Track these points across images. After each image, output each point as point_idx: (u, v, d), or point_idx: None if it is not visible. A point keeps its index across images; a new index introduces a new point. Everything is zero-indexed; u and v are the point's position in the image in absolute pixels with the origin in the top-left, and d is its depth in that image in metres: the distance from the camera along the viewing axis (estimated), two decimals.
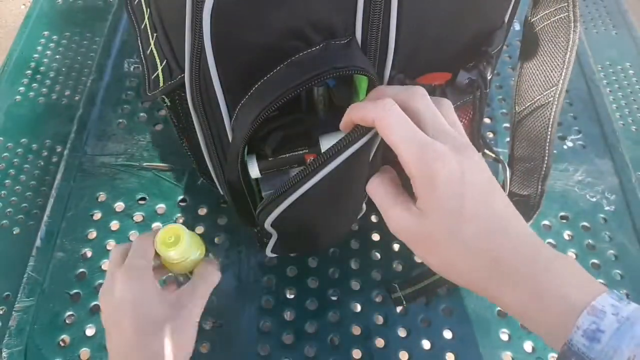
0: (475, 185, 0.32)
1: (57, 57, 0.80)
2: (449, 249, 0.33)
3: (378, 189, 0.35)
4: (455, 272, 0.34)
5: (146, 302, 0.42)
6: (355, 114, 0.35)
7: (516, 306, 0.32)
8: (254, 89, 0.36)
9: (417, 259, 0.60)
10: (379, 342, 0.54)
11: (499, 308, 0.57)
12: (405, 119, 0.33)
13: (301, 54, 0.35)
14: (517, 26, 0.81)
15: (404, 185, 0.35)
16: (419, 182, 0.32)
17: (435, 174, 0.31)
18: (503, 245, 0.32)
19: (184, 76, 0.39)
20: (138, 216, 0.62)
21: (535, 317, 0.32)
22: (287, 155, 0.43)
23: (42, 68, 0.79)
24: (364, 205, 0.57)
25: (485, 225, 0.32)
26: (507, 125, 0.74)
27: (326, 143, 0.42)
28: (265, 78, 0.36)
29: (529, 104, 0.50)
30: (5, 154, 0.70)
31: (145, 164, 0.67)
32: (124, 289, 0.42)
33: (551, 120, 0.49)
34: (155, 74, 0.42)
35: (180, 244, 0.44)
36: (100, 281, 0.57)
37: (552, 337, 0.31)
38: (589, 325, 0.29)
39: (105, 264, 0.58)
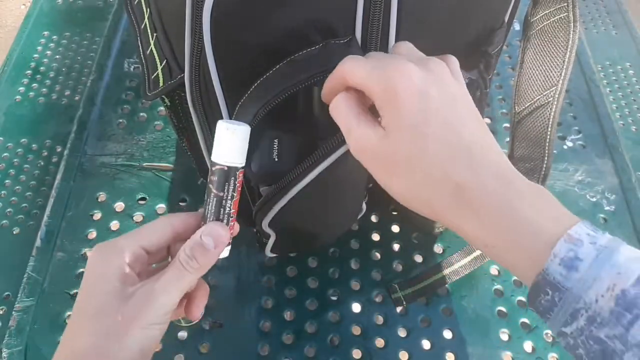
0: (444, 103, 0.30)
1: (57, 57, 0.80)
2: (412, 171, 0.31)
3: (341, 106, 0.33)
4: (418, 198, 0.32)
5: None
6: (329, 79, 0.34)
7: (483, 238, 0.30)
8: (253, 87, 0.36)
9: (418, 259, 0.60)
10: (379, 342, 0.54)
11: (499, 308, 0.57)
12: (372, 58, 0.32)
13: (301, 52, 0.36)
14: (517, 26, 0.81)
15: (371, 109, 0.33)
16: (381, 98, 0.30)
17: (397, 87, 0.30)
18: (470, 171, 0.30)
19: (183, 76, 0.39)
20: (138, 216, 0.62)
21: (504, 249, 0.30)
22: None
23: (42, 68, 0.79)
24: (364, 205, 0.57)
25: (450, 147, 0.30)
26: (507, 125, 0.74)
27: None
28: (265, 76, 0.36)
29: (528, 104, 0.50)
30: (5, 154, 0.70)
31: (145, 164, 0.67)
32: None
33: (551, 120, 0.49)
34: (155, 74, 0.42)
35: None
36: None
37: (523, 270, 0.30)
38: (567, 253, 0.28)
39: None
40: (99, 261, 0.35)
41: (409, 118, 0.30)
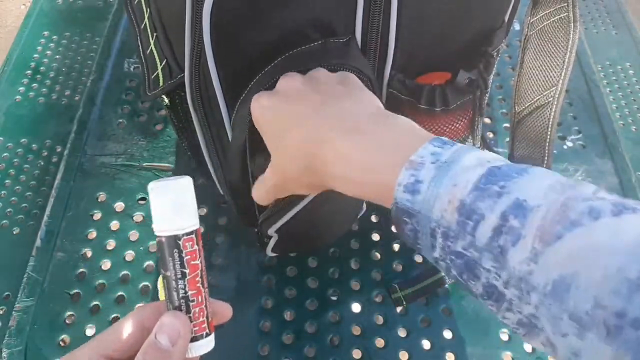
0: (282, 110, 0.34)
1: (57, 57, 0.80)
2: (287, 170, 0.36)
3: (256, 191, 0.40)
4: (290, 180, 0.36)
5: None
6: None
7: (345, 176, 0.32)
8: (252, 83, 0.37)
9: (418, 259, 0.60)
10: (379, 342, 0.54)
11: None
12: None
13: (299, 49, 0.36)
14: (517, 26, 0.81)
15: None
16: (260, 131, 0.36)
17: (255, 118, 0.36)
18: (319, 134, 0.33)
19: (183, 75, 0.39)
20: (138, 216, 0.62)
21: (365, 184, 0.31)
22: None
23: (42, 68, 0.79)
24: (364, 205, 0.57)
25: (299, 134, 0.33)
26: (507, 125, 0.74)
27: None
28: (263, 72, 0.36)
29: (528, 104, 0.50)
30: (5, 154, 0.70)
31: (145, 164, 0.67)
32: None
33: (551, 120, 0.49)
34: (155, 74, 0.42)
35: None
36: (101, 281, 0.57)
37: (383, 201, 0.31)
38: (409, 179, 0.29)
39: (105, 264, 0.58)
40: None
41: (275, 133, 0.36)
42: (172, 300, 0.29)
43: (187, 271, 0.29)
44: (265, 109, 0.35)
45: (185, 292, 0.29)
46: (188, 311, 0.29)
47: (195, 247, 0.29)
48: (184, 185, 0.29)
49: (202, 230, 0.30)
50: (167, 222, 0.28)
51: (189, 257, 0.29)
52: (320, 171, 0.33)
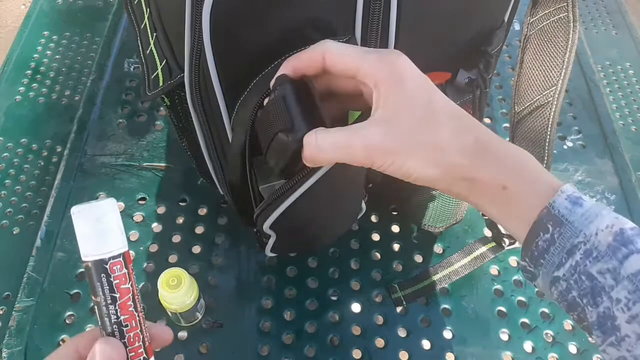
0: (429, 79, 0.33)
1: (57, 57, 0.80)
2: (430, 139, 0.32)
3: (325, 140, 0.33)
4: (435, 169, 0.32)
5: None
6: (302, 56, 0.34)
7: (501, 180, 0.32)
8: (252, 84, 0.36)
9: (418, 259, 0.60)
10: (379, 342, 0.54)
11: (499, 308, 0.57)
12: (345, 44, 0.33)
13: (299, 49, 0.36)
14: (517, 26, 0.81)
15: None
16: (386, 82, 0.31)
17: (405, 71, 0.32)
18: (477, 125, 0.32)
19: (183, 75, 0.39)
20: (138, 216, 0.62)
21: (517, 190, 0.31)
22: None
23: (42, 68, 0.79)
24: (363, 205, 0.57)
25: (454, 115, 0.32)
26: (507, 125, 0.74)
27: None
28: (263, 73, 0.36)
29: (528, 103, 0.50)
30: (5, 154, 0.70)
31: (145, 164, 0.67)
32: None
33: (551, 120, 0.49)
34: (155, 74, 0.42)
35: (181, 286, 0.48)
36: None
37: (527, 211, 0.31)
38: (573, 192, 0.30)
39: None
40: None
41: (420, 95, 0.32)
42: (104, 326, 0.28)
43: (117, 296, 0.28)
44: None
45: (118, 317, 0.28)
46: (122, 337, 0.28)
47: (124, 270, 0.28)
48: (108, 208, 0.28)
49: (132, 254, 0.29)
50: (92, 246, 0.28)
51: (117, 281, 0.28)
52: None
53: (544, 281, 0.31)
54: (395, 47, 0.38)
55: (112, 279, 0.28)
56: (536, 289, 0.58)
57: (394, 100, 0.31)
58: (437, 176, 0.32)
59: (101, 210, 0.28)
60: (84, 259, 0.28)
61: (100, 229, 0.28)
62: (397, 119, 0.31)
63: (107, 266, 0.28)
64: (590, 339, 0.30)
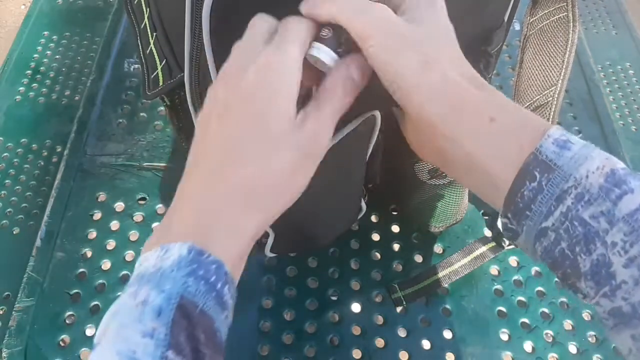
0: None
1: (57, 57, 0.80)
2: (435, 44, 0.31)
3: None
4: (432, 74, 0.30)
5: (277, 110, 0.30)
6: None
7: (489, 111, 0.30)
8: None
9: (418, 259, 0.60)
10: (379, 342, 0.54)
11: (499, 308, 0.57)
12: None
13: None
14: (516, 26, 0.81)
15: None
16: None
17: None
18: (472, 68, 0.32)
19: (183, 75, 0.39)
20: (138, 216, 0.62)
21: (498, 132, 0.30)
22: None
23: (42, 68, 0.79)
24: (363, 205, 0.57)
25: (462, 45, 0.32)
26: None
27: None
28: None
29: (528, 103, 0.50)
30: (5, 154, 0.70)
31: (145, 164, 0.67)
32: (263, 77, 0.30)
33: (550, 120, 0.49)
34: (155, 74, 0.42)
35: None
36: (101, 281, 0.57)
37: (514, 155, 0.29)
38: (560, 136, 0.28)
39: (105, 264, 0.58)
40: None
41: (442, 16, 0.32)
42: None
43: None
44: None
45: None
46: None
47: None
48: None
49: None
50: None
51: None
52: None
53: (528, 237, 0.29)
54: None
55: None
56: (536, 289, 0.58)
57: (420, 10, 0.31)
58: (423, 88, 0.30)
59: None
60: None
61: None
62: (419, 25, 0.31)
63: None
64: (579, 296, 0.29)
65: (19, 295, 0.55)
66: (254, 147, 0.29)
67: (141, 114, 0.72)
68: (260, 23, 0.32)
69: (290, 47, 0.30)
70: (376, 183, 0.55)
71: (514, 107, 0.30)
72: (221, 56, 0.36)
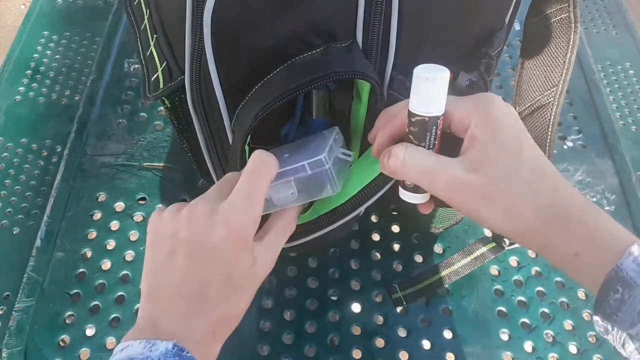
0: (523, 128, 0.34)
1: (57, 57, 0.80)
2: (511, 193, 0.33)
3: (411, 159, 0.34)
4: (512, 222, 0.33)
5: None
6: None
7: (574, 247, 0.32)
8: (253, 90, 0.36)
9: (418, 259, 0.60)
10: (379, 342, 0.54)
11: (499, 308, 0.57)
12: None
13: (301, 56, 0.35)
14: (517, 26, 0.81)
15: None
16: (481, 126, 0.33)
17: (498, 116, 0.33)
18: (556, 191, 0.33)
19: (184, 78, 0.39)
20: (138, 216, 0.62)
21: (588, 255, 0.32)
22: None
23: (42, 68, 0.79)
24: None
25: (539, 165, 0.33)
26: None
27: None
28: (265, 79, 0.36)
29: (529, 104, 0.50)
30: (5, 154, 0.70)
31: (145, 164, 0.67)
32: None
33: (551, 120, 0.49)
34: (155, 76, 0.42)
35: None
36: (101, 281, 0.57)
37: (597, 271, 0.31)
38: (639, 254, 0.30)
39: (105, 264, 0.58)
40: None
41: (511, 145, 0.33)
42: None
43: (436, 143, 0.35)
44: None
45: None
46: None
47: (441, 126, 0.35)
48: (446, 78, 0.33)
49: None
50: (433, 106, 0.34)
51: (439, 134, 0.35)
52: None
53: (618, 336, 0.32)
54: (396, 51, 0.38)
55: (438, 131, 0.34)
56: (536, 289, 0.58)
57: (486, 145, 0.33)
58: (510, 232, 0.34)
59: (440, 79, 0.33)
60: (423, 114, 0.34)
61: (438, 94, 0.33)
62: (485, 164, 0.33)
63: (439, 121, 0.34)
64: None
65: (19, 295, 0.55)
66: (220, 294, 0.35)
67: (141, 114, 0.72)
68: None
69: (256, 209, 0.35)
70: None
71: (600, 234, 0.32)
72: (222, 59, 0.36)
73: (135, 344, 0.32)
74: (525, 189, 0.33)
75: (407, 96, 0.40)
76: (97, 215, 0.62)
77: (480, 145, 0.33)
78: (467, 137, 0.34)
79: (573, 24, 0.46)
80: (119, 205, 0.63)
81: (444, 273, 0.58)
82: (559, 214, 0.32)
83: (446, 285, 0.57)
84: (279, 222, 0.38)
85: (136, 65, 0.77)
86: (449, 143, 0.35)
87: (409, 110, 0.34)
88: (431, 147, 0.35)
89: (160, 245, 0.36)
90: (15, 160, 0.69)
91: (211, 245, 0.34)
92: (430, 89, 0.33)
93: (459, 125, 0.34)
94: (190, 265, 0.34)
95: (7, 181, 0.67)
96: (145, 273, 0.36)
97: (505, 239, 0.58)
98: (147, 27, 0.44)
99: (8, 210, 0.64)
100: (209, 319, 0.35)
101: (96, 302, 0.56)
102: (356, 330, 0.55)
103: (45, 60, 0.80)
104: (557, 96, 0.48)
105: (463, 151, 0.34)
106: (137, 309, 0.39)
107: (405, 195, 0.37)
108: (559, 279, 0.59)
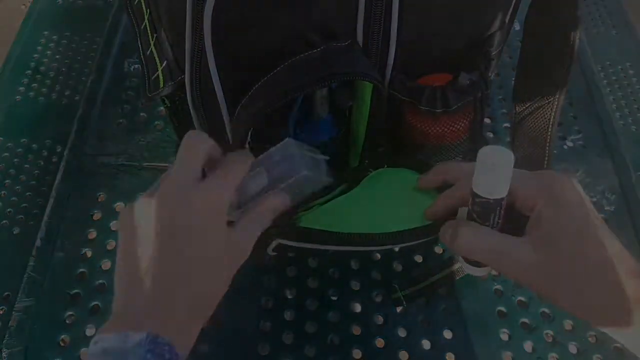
0: (588, 205, 0.34)
1: (57, 57, 0.80)
2: (579, 274, 0.33)
3: (479, 239, 0.35)
4: (578, 304, 0.34)
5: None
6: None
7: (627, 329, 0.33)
8: (253, 89, 0.36)
9: (417, 259, 0.60)
10: (379, 342, 0.54)
11: (499, 308, 0.57)
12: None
13: (301, 55, 0.35)
14: (517, 26, 0.81)
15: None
16: (545, 208, 0.33)
17: (561, 195, 0.33)
18: (622, 255, 0.33)
19: (184, 77, 0.39)
20: None
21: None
22: None
23: (42, 68, 0.79)
24: None
25: (602, 247, 0.33)
26: (507, 125, 0.74)
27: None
28: (265, 79, 0.36)
29: (529, 104, 0.50)
30: (5, 154, 0.69)
31: (145, 164, 0.67)
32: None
33: (551, 120, 0.49)
34: (155, 75, 0.42)
35: None
36: (101, 281, 0.57)
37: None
38: None
39: (105, 264, 0.58)
40: None
41: (574, 223, 0.33)
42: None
43: (500, 222, 0.35)
44: None
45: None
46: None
47: (504, 205, 0.35)
48: (510, 162, 0.33)
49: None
50: (498, 189, 0.34)
51: (503, 213, 0.35)
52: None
53: None
54: (396, 51, 0.38)
55: (502, 212, 0.35)
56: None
57: (550, 225, 0.33)
58: (577, 312, 0.34)
59: (505, 163, 0.33)
60: (487, 196, 0.34)
61: (503, 177, 0.34)
62: (552, 245, 0.33)
63: (502, 202, 0.34)
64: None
65: (19, 295, 0.55)
66: (194, 272, 0.35)
67: (141, 114, 0.72)
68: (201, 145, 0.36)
69: (226, 193, 0.36)
70: None
71: None
72: (222, 58, 0.36)
73: (109, 336, 0.32)
74: (586, 275, 0.33)
75: (407, 96, 0.40)
76: (97, 215, 0.62)
77: (546, 226, 0.33)
78: (532, 217, 0.34)
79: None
80: (119, 205, 0.63)
81: (444, 273, 0.57)
82: (618, 304, 0.32)
83: (446, 286, 0.57)
84: (256, 209, 0.39)
85: (136, 65, 0.77)
86: (513, 218, 0.36)
87: (472, 191, 0.35)
88: (495, 226, 0.35)
89: (128, 231, 0.36)
90: (15, 160, 0.69)
91: (182, 222, 0.34)
92: (495, 174, 0.33)
93: (524, 203, 0.35)
94: (161, 246, 0.35)
95: (7, 181, 0.67)
96: (117, 264, 0.37)
97: None
98: (147, 26, 0.44)
99: (8, 210, 0.64)
100: (184, 301, 0.35)
101: (96, 302, 0.56)
102: (356, 330, 0.55)
103: (45, 60, 0.80)
104: (557, 96, 0.48)
105: (528, 230, 0.34)
106: None
107: (469, 269, 0.38)
108: None
